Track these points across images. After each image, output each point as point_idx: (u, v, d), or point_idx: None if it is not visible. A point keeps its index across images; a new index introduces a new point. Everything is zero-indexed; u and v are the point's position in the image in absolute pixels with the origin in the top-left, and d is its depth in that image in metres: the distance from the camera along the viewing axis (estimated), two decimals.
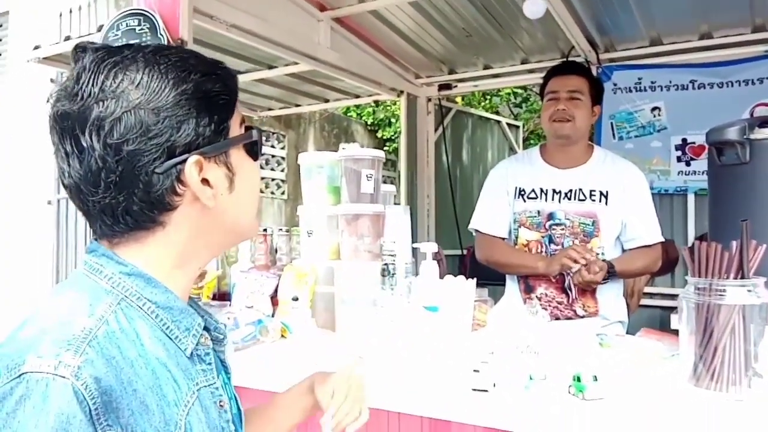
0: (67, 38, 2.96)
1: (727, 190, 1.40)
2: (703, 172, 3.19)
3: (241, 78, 3.57)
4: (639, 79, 3.34)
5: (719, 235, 1.34)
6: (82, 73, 0.72)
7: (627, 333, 2.04)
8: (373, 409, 1.34)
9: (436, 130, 4.31)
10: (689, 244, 3.18)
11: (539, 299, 2.08)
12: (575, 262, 1.94)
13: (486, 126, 5.39)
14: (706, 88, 3.23)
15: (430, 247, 1.50)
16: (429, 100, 4.20)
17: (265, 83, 3.87)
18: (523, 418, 1.12)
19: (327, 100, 4.38)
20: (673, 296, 3.22)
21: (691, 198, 3.22)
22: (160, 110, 0.71)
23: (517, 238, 2.16)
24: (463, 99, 6.52)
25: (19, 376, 0.63)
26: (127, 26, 2.19)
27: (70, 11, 4.54)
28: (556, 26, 3.12)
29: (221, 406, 0.80)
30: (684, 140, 3.26)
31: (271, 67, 3.53)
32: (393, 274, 1.66)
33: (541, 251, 2.11)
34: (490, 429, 1.25)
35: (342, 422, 1.00)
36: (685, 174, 3.25)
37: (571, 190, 2.11)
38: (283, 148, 7.06)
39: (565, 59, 3.47)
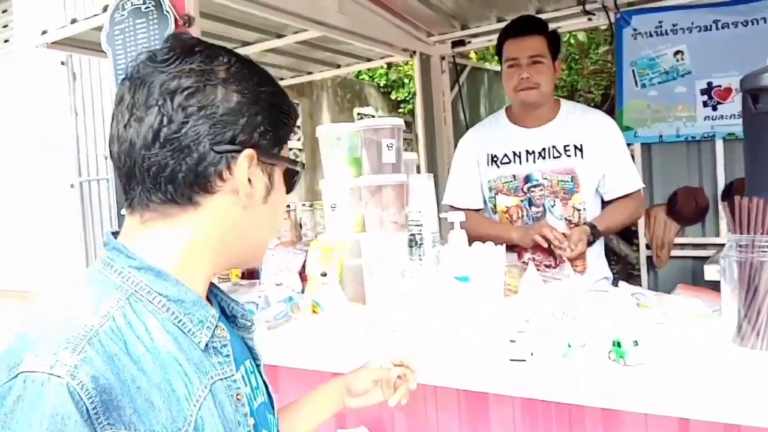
0: (73, 21, 2.92)
1: (764, 140, 1.34)
2: (730, 116, 3.09)
3: (250, 49, 3.55)
4: (659, 22, 3.20)
5: (758, 189, 1.29)
6: (174, 49, 0.76)
7: (660, 290, 2.01)
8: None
9: (452, 89, 4.22)
10: (719, 192, 3.10)
11: (526, 264, 2.05)
12: (546, 241, 1.91)
13: (501, 81, 5.27)
14: (729, 27, 3.09)
15: (457, 217, 1.47)
16: (443, 58, 4.09)
17: (275, 53, 3.80)
18: (562, 387, 1.10)
19: (339, 66, 4.30)
20: (705, 246, 3.16)
21: (719, 144, 3.12)
22: (242, 95, 0.76)
23: (495, 206, 2.14)
24: (477, 55, 6.37)
25: (16, 375, 0.63)
26: (132, 5, 2.15)
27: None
28: None
29: (238, 399, 0.79)
30: (709, 84, 3.14)
31: (279, 36, 3.46)
32: (420, 244, 1.64)
33: (522, 215, 2.09)
34: (528, 399, 1.24)
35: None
36: (712, 119, 3.14)
37: (544, 149, 2.08)
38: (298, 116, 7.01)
39: (582, 7, 3.37)
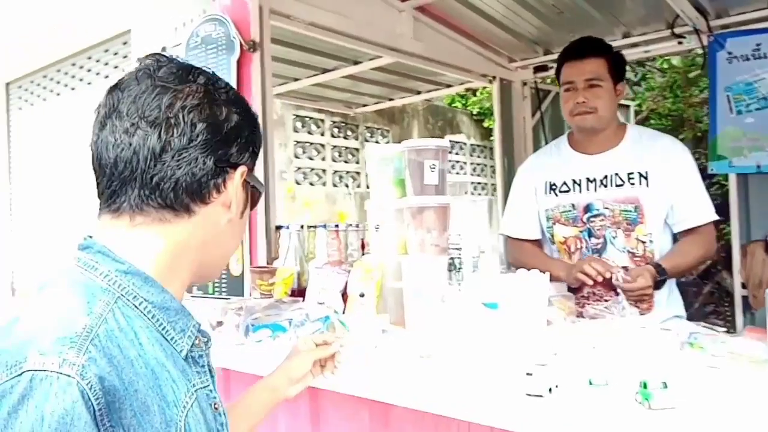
0: (163, 49, 3.15)
1: None
2: None
3: (329, 76, 3.64)
4: (758, 45, 2.97)
5: None
6: (180, 72, 0.81)
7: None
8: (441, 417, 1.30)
9: (533, 115, 4.12)
10: None
11: (586, 298, 1.91)
12: (589, 277, 1.78)
13: None
14: None
15: (490, 240, 1.42)
16: (524, 84, 4.01)
17: (355, 79, 3.89)
18: (579, 427, 1.01)
19: (419, 92, 4.33)
20: None
21: None
22: (242, 114, 0.82)
23: (552, 236, 2.02)
24: None
25: (21, 373, 0.61)
26: (204, 32, 2.28)
27: (183, 24, 4.82)
28: None
29: (215, 408, 0.80)
30: None
31: (356, 63, 3.54)
32: (459, 268, 1.59)
33: (581, 247, 1.96)
34: None
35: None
36: None
37: (606, 176, 1.95)
38: (387, 143, 7.10)
39: (671, 30, 3.19)
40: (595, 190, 1.96)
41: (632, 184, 1.92)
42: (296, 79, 3.81)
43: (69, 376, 0.61)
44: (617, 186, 1.94)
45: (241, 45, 2.12)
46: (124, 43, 6.91)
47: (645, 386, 1.02)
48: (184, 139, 0.77)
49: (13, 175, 6.89)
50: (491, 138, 8.31)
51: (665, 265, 1.84)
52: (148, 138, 0.76)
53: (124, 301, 0.73)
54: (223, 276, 2.17)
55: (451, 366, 1.28)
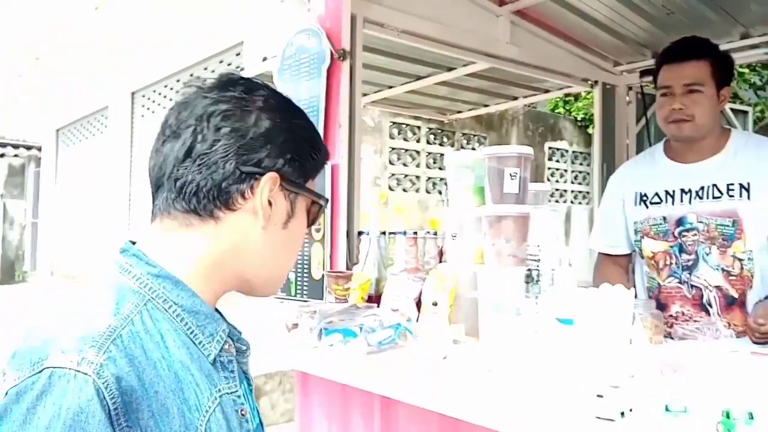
0: (264, 59, 3.28)
1: None
2: None
3: (423, 83, 3.64)
4: None
5: None
6: (222, 82, 0.82)
7: None
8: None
9: (638, 121, 3.90)
10: None
11: (675, 318, 1.77)
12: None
13: None
14: None
15: (565, 252, 1.35)
16: (630, 88, 3.81)
17: (450, 86, 3.86)
18: None
19: (515, 98, 4.23)
20: None
21: None
22: (275, 120, 0.80)
23: (641, 250, 1.88)
24: None
25: (41, 370, 0.63)
26: (299, 42, 2.35)
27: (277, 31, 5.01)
28: None
29: (242, 415, 0.79)
30: None
31: (450, 69, 3.51)
32: (537, 281, 1.53)
33: (670, 263, 1.81)
34: None
35: None
36: None
37: (702, 188, 1.80)
38: None
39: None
40: (690, 202, 1.83)
41: (731, 196, 1.78)
42: (390, 87, 3.84)
43: (86, 374, 0.63)
44: (714, 198, 1.80)
45: (331, 54, 2.17)
46: (237, 54, 7.31)
47: (728, 416, 0.94)
48: (206, 144, 0.76)
49: (133, 179, 7.47)
50: None
51: None
52: (176, 144, 0.78)
53: (154, 304, 0.74)
54: (305, 279, 2.22)
55: (519, 382, 1.24)
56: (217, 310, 0.86)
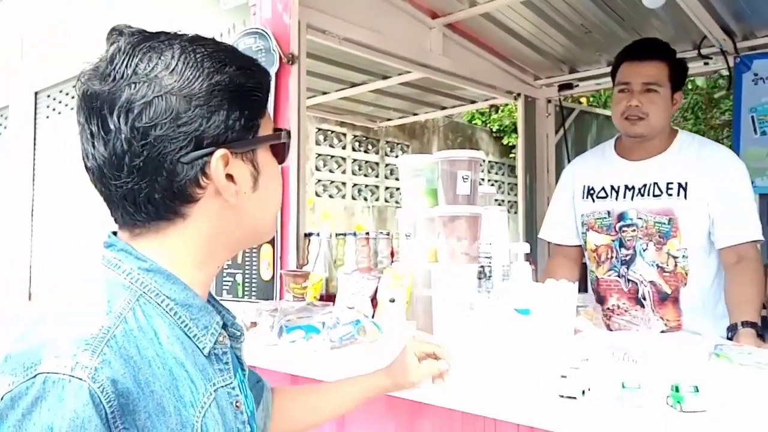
0: None
1: None
2: None
3: (357, 90, 3.72)
4: None
5: None
6: (117, 54, 0.71)
7: None
8: (467, 414, 1.34)
9: (557, 132, 4.16)
10: None
11: (611, 311, 1.87)
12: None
13: (613, 126, 5.09)
14: None
15: (521, 248, 1.46)
16: (549, 101, 4.06)
17: (381, 93, 3.97)
18: (613, 428, 1.04)
19: (444, 107, 4.39)
20: None
21: None
22: (192, 98, 0.70)
23: (585, 242, 1.96)
24: (589, 100, 6.23)
25: (35, 376, 0.61)
26: (244, 45, 2.35)
27: (221, 35, 4.94)
28: (684, 15, 2.90)
29: (237, 407, 0.79)
30: None
31: (385, 78, 3.61)
32: (489, 277, 1.63)
33: (611, 257, 1.89)
34: None
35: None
36: None
37: (645, 185, 1.86)
38: None
39: (698, 51, 3.21)
40: (632, 198, 1.88)
41: (670, 195, 1.83)
42: (325, 93, 3.89)
43: (80, 379, 0.61)
44: (655, 196, 1.85)
45: (280, 58, 2.19)
46: None
47: (677, 390, 1.06)
48: (134, 150, 0.70)
49: (36, 182, 7.05)
50: (510, 155, 8.35)
51: (748, 317, 1.66)
52: (105, 153, 0.72)
53: (146, 299, 0.72)
54: (254, 280, 2.23)
55: (482, 368, 1.32)
56: (210, 295, 0.85)
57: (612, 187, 1.93)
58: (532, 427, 1.22)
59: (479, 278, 1.64)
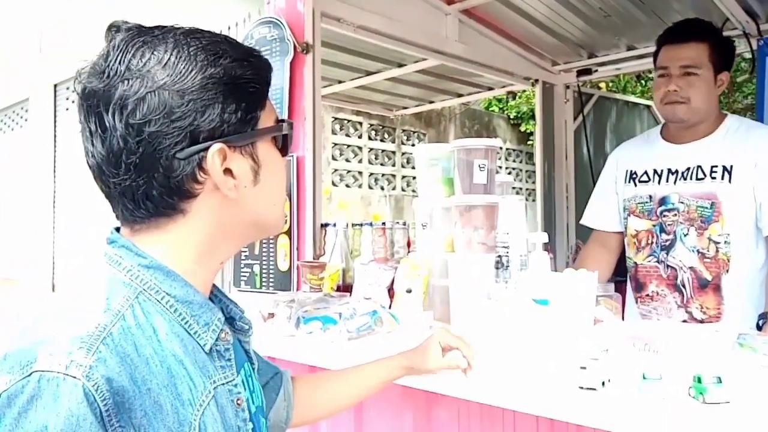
0: None
1: None
2: None
3: (372, 78, 3.70)
4: None
5: None
6: (111, 51, 0.71)
7: None
8: (485, 405, 1.34)
9: (575, 118, 4.10)
10: None
11: (651, 298, 1.83)
12: None
13: (633, 112, 5.04)
14: None
15: (540, 238, 1.44)
16: (567, 87, 4.00)
17: (396, 82, 3.93)
18: (633, 419, 1.03)
19: (460, 95, 4.35)
20: None
21: None
22: (185, 92, 0.70)
23: (626, 228, 1.93)
24: (609, 85, 6.14)
25: (30, 374, 0.62)
26: (259, 34, 2.34)
27: (236, 25, 4.93)
28: None
29: (238, 404, 0.78)
30: None
31: (400, 65, 3.58)
32: (507, 266, 1.61)
33: (651, 242, 1.85)
34: (599, 430, 1.17)
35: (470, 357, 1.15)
36: None
37: (688, 168, 1.81)
38: None
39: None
40: (675, 182, 1.84)
41: (713, 178, 1.77)
42: (341, 82, 3.87)
43: (75, 377, 0.61)
44: (698, 180, 1.80)
45: (295, 47, 2.18)
46: None
47: (699, 380, 1.04)
48: (130, 147, 0.70)
49: (57, 175, 7.14)
50: (528, 142, 8.28)
51: None
52: (103, 152, 0.73)
53: (146, 296, 0.72)
54: (272, 271, 2.23)
55: (500, 359, 1.31)
56: (216, 289, 0.85)
57: (655, 171, 1.90)
58: (552, 419, 1.21)
59: (497, 268, 1.63)
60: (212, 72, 0.71)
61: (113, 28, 0.74)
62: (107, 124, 0.70)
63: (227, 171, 0.74)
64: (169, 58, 0.70)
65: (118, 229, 0.79)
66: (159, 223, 0.75)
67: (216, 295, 0.85)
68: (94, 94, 0.71)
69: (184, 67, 0.70)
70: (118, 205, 0.75)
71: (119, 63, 0.70)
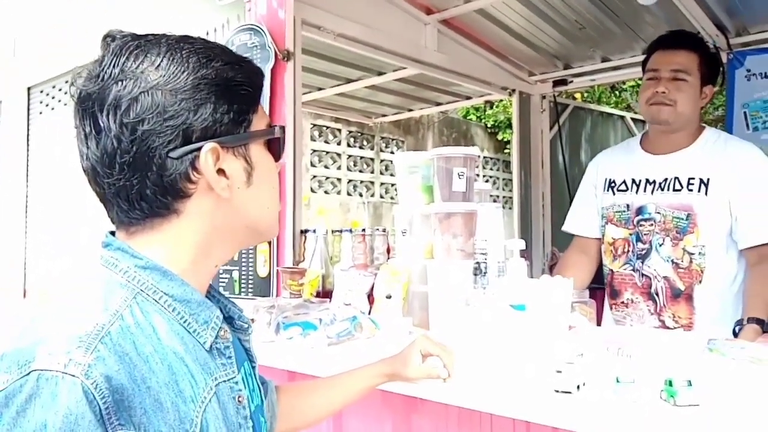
0: None
1: None
2: None
3: (352, 86, 3.72)
4: None
5: None
6: (106, 56, 0.73)
7: None
8: (464, 409, 1.36)
9: (551, 128, 4.17)
10: None
11: (625, 305, 1.87)
12: None
13: (608, 122, 5.13)
14: None
15: (517, 244, 1.47)
16: (543, 97, 4.07)
17: (375, 89, 3.97)
18: (607, 422, 1.06)
19: (439, 104, 4.40)
20: None
21: None
22: (178, 92, 0.71)
23: (603, 236, 1.97)
24: (584, 96, 6.25)
25: (29, 373, 0.62)
26: (240, 41, 2.35)
27: (207, 33, 4.93)
28: (677, 11, 2.91)
29: (239, 401, 0.79)
30: None
31: (380, 74, 3.61)
32: (485, 273, 1.64)
33: (627, 251, 1.89)
34: None
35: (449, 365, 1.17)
36: None
37: (666, 179, 1.85)
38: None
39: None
40: (652, 192, 1.87)
41: (690, 190, 1.80)
42: (320, 89, 3.89)
43: (73, 376, 0.61)
44: (675, 191, 1.83)
45: (276, 54, 2.19)
46: None
47: (670, 384, 1.07)
48: (123, 147, 0.71)
49: (30, 179, 7.03)
50: (505, 151, 8.37)
51: (756, 313, 1.65)
52: (97, 152, 0.74)
53: (144, 296, 0.72)
54: (251, 277, 2.23)
55: (478, 364, 1.33)
56: (213, 289, 0.86)
57: (633, 181, 1.93)
58: (528, 422, 1.24)
59: (475, 274, 1.66)
60: (204, 73, 0.73)
61: (108, 38, 0.76)
62: (101, 125, 0.71)
63: (220, 171, 0.75)
64: (161, 61, 0.72)
65: (113, 233, 0.79)
66: (154, 224, 0.75)
67: (213, 295, 0.86)
68: (89, 97, 0.72)
69: (176, 69, 0.72)
70: (113, 207, 0.76)
71: (113, 66, 0.72)
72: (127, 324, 0.68)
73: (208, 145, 0.73)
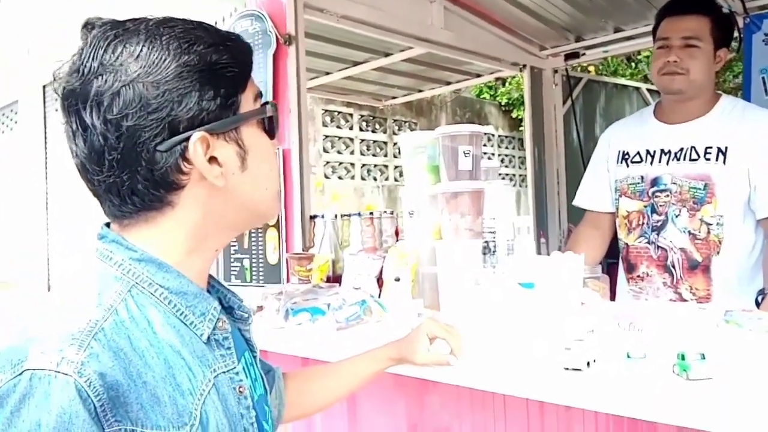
0: None
1: None
2: None
3: (360, 68, 3.68)
4: None
5: None
6: (85, 48, 0.71)
7: None
8: (475, 390, 1.34)
9: (564, 102, 4.10)
10: None
11: (641, 278, 1.83)
12: None
13: (623, 94, 5.03)
14: None
15: (525, 222, 1.44)
16: (555, 71, 3.99)
17: (384, 71, 3.92)
18: (618, 398, 1.03)
19: (449, 83, 4.34)
20: None
21: None
22: (160, 83, 0.68)
23: (617, 209, 1.92)
24: (597, 68, 6.13)
25: (21, 372, 0.61)
26: (241, 27, 2.33)
27: (223, 20, 4.90)
28: None
29: (240, 392, 0.78)
30: None
31: (387, 55, 3.56)
32: (494, 252, 1.62)
33: (642, 223, 1.84)
34: (605, 414, 1.18)
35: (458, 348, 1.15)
36: None
37: (682, 149, 1.79)
38: None
39: None
40: (668, 163, 1.81)
41: (707, 159, 1.75)
42: (327, 73, 3.86)
43: (66, 374, 0.61)
44: (691, 160, 1.77)
45: (277, 39, 2.17)
46: None
47: (683, 358, 1.04)
48: (110, 143, 0.69)
49: (49, 176, 7.12)
50: (520, 128, 8.27)
51: None
52: (85, 150, 0.72)
53: (139, 289, 0.71)
54: (261, 264, 2.23)
55: (489, 344, 1.31)
56: (213, 279, 0.84)
57: (647, 152, 1.88)
58: (541, 401, 1.22)
59: (484, 253, 1.63)
60: (186, 60, 0.70)
61: (88, 26, 0.73)
62: (86, 122, 0.69)
63: (213, 159, 0.73)
64: (141, 50, 0.69)
65: (108, 225, 0.78)
66: (148, 216, 0.74)
67: (213, 286, 0.84)
68: (72, 93, 0.70)
69: (157, 57, 0.69)
70: (105, 202, 0.75)
71: (93, 59, 0.70)
72: (122, 318, 0.68)
73: (197, 135, 0.70)
